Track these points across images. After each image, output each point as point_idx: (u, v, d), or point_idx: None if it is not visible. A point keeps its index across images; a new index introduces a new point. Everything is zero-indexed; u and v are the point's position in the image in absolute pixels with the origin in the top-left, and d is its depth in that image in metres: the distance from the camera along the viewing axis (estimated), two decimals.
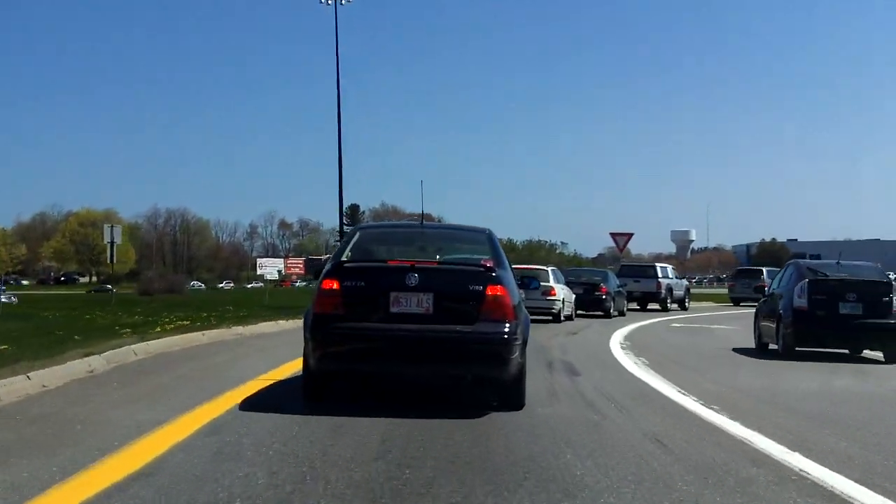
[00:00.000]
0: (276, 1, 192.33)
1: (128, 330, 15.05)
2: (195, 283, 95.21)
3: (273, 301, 52.62)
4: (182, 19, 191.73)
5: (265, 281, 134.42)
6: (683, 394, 9.75)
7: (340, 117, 77.15)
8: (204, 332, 15.30)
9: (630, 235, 42.59)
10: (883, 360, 15.02)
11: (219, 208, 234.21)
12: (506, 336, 7.34)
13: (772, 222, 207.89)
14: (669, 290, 38.84)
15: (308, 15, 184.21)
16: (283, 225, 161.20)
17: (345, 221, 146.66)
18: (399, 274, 7.45)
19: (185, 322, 17.16)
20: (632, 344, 17.38)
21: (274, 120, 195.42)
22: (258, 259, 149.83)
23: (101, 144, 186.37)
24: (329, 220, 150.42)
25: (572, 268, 42.77)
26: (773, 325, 15.91)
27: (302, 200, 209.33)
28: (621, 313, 31.94)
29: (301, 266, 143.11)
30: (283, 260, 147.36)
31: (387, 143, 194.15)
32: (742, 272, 47.68)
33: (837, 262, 16.58)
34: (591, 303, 30.04)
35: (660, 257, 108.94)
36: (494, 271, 7.57)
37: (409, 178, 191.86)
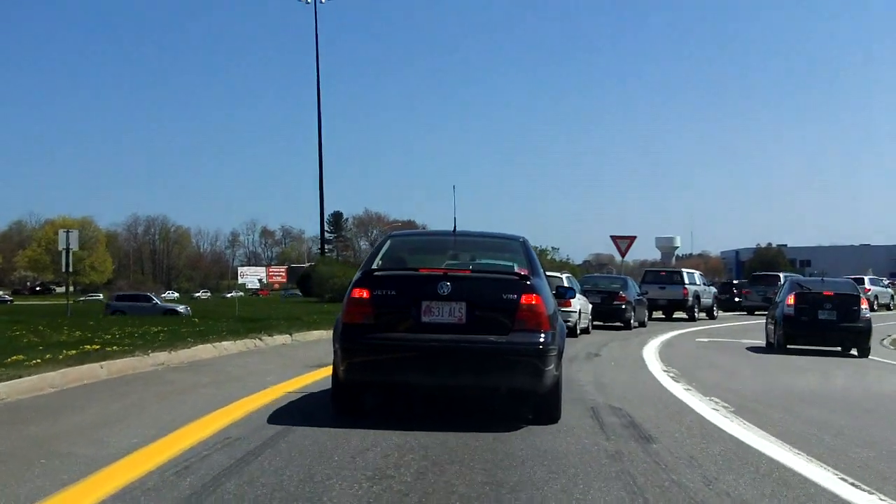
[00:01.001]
0: (257, 8, 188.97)
1: (13, 358, 10.73)
2: (170, 293, 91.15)
3: (244, 312, 49.48)
4: (163, 26, 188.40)
5: (245, 290, 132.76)
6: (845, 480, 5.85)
7: (321, 123, 74.62)
8: (104, 363, 10.90)
9: (633, 239, 38.39)
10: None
11: (200, 216, 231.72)
12: (541, 347, 7.04)
13: (756, 229, 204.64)
14: (697, 297, 35.26)
15: (289, 22, 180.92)
16: (266, 233, 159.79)
17: (328, 229, 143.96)
18: (431, 282, 7.18)
19: (95, 346, 12.80)
20: (680, 372, 13.53)
21: (256, 127, 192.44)
22: (239, 268, 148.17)
23: (80, 152, 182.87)
24: (312, 227, 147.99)
25: (588, 275, 38.68)
26: (773, 328, 20.12)
27: (284, 208, 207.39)
28: (642, 324, 28.92)
29: (284, 274, 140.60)
30: (265, 268, 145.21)
31: (370, 150, 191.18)
32: (758, 278, 43.58)
33: (822, 280, 21.93)
34: (609, 313, 26.83)
35: (645, 264, 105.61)
36: (529, 279, 7.28)
37: (392, 186, 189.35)
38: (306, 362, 13.25)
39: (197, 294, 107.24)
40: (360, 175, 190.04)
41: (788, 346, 19.05)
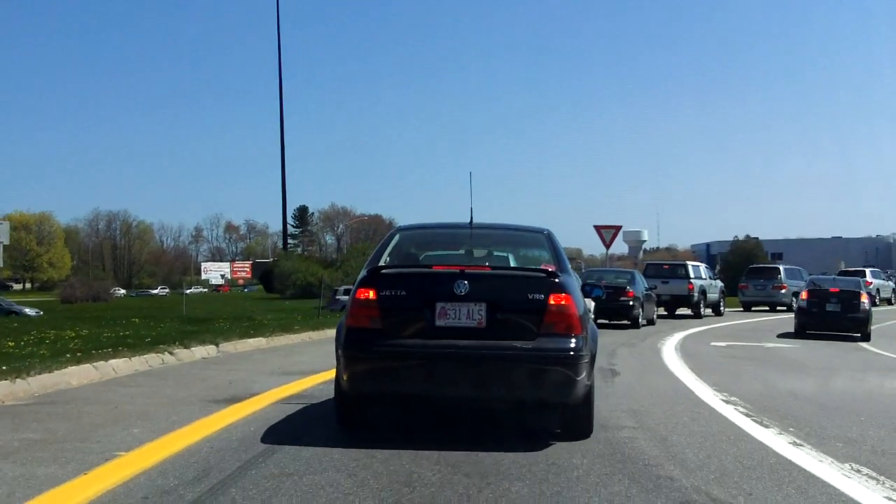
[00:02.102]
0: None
1: None
2: (119, 291, 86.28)
3: (194, 311, 45.76)
4: (121, 18, 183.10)
5: (208, 286, 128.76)
6: None
7: (282, 116, 71.84)
8: None
9: (618, 229, 34.51)
10: None
11: (163, 211, 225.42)
12: (572, 353, 6.24)
13: (722, 222, 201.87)
14: (703, 292, 31.66)
15: (251, 10, 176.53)
16: (230, 228, 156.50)
17: (293, 224, 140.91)
18: (446, 281, 6.38)
19: None
20: (753, 405, 9.66)
21: (219, 120, 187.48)
22: (203, 263, 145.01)
23: (40, 145, 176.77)
24: (277, 222, 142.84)
25: (591, 268, 34.97)
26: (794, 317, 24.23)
27: (249, 203, 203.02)
28: (650, 322, 25.79)
29: (248, 270, 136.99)
30: (229, 264, 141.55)
31: (337, 143, 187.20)
32: (756, 271, 39.64)
33: (833, 278, 27.03)
34: (614, 310, 23.70)
35: (612, 258, 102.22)
36: (558, 277, 6.51)
37: (359, 180, 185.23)
38: (217, 393, 9.23)
39: (154, 291, 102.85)
40: (327, 169, 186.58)
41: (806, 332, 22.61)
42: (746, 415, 8.28)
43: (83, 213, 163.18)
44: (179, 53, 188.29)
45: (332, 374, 11.53)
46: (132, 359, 11.62)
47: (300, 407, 8.35)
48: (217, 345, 14.30)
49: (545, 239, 7.76)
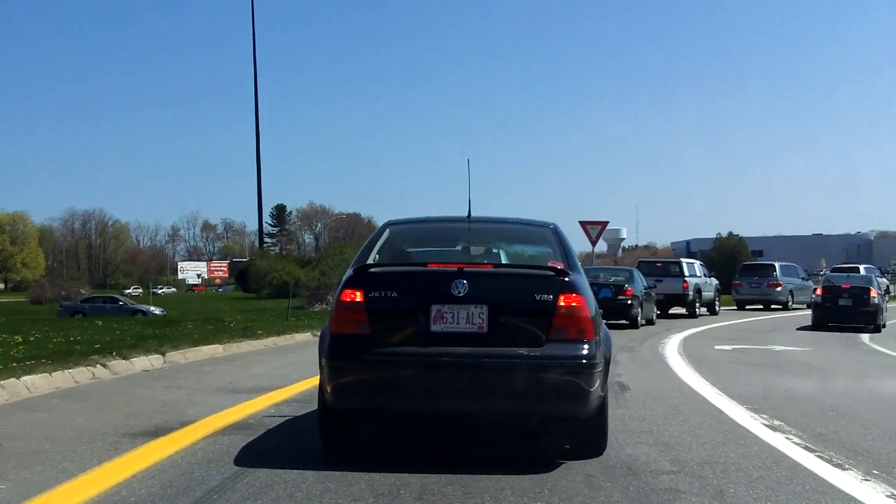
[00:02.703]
0: None
1: None
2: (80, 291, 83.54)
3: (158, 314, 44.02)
4: (97, 18, 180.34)
5: (185, 286, 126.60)
6: None
7: (258, 112, 69.92)
8: None
9: (604, 225, 32.61)
10: None
11: (139, 210, 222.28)
12: (584, 361, 5.60)
13: (700, 220, 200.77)
14: (698, 290, 30.27)
15: (227, 11, 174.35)
16: (207, 227, 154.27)
17: (271, 223, 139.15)
18: (443, 281, 5.78)
19: None
20: (806, 433, 8.03)
21: (196, 118, 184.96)
22: (179, 263, 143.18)
23: (14, 145, 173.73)
24: (254, 221, 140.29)
25: (586, 266, 33.29)
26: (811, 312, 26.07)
27: (226, 201, 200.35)
28: (650, 322, 24.50)
29: (225, 269, 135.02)
30: (206, 263, 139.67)
31: (315, 141, 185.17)
32: (750, 268, 37.49)
33: (847, 275, 29.74)
34: (613, 310, 21.98)
35: (590, 256, 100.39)
36: (568, 275, 5.87)
37: (337, 178, 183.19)
38: (140, 421, 7.38)
39: (127, 291, 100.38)
40: (305, 167, 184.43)
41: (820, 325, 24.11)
42: (807, 448, 6.52)
43: (58, 212, 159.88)
44: (156, 52, 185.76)
45: (290, 391, 9.84)
46: (54, 374, 9.73)
47: (244, 441, 6.52)
48: (164, 354, 12.41)
49: (551, 234, 6.98)
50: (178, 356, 12.71)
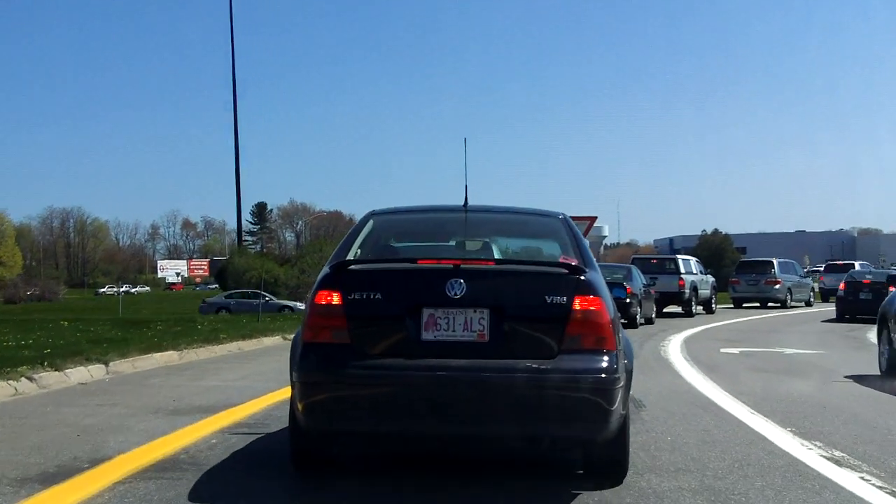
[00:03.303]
0: None
1: None
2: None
3: (141, 312, 42.71)
4: (73, 15, 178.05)
5: (165, 284, 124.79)
6: None
7: (236, 108, 68.26)
8: None
9: (593, 220, 31.10)
10: None
11: (119, 208, 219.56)
12: (604, 375, 4.80)
13: (681, 217, 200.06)
14: (694, 288, 29.12)
15: (205, 7, 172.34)
16: (187, 225, 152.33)
17: (252, 220, 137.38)
18: (436, 280, 4.98)
19: None
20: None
21: (176, 116, 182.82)
22: (159, 261, 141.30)
23: None
24: (235, 219, 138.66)
25: None
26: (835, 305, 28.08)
27: (206, 199, 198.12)
28: (649, 321, 23.58)
29: (206, 268, 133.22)
30: (186, 262, 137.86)
31: (296, 138, 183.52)
32: (748, 265, 35.99)
33: (869, 272, 31.40)
34: None
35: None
36: (584, 273, 5.03)
37: (319, 175, 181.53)
38: (43, 459, 5.82)
39: (102, 290, 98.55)
40: (286, 165, 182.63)
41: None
42: (892, 493, 5.05)
43: (37, 210, 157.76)
44: (135, 49, 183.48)
45: (243, 410, 8.18)
46: None
47: (168, 489, 4.98)
48: (107, 363, 10.83)
49: (561, 225, 6.14)
50: (124, 365, 11.14)
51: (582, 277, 5.00)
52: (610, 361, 4.87)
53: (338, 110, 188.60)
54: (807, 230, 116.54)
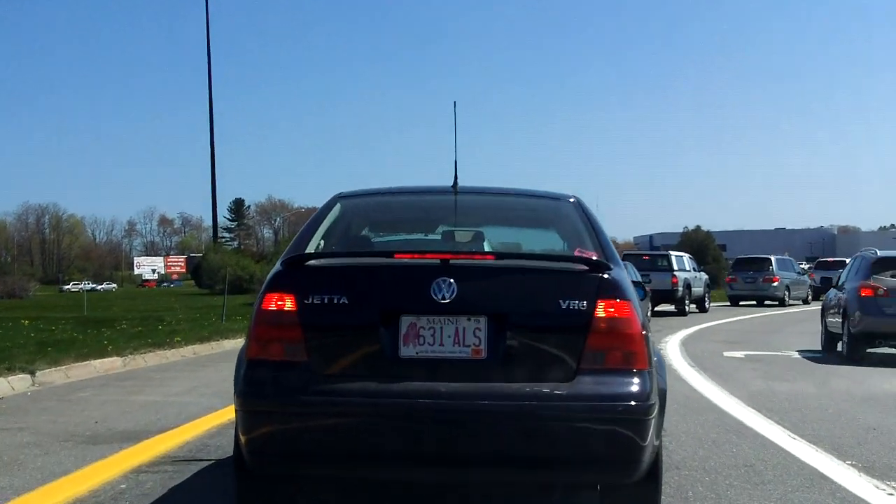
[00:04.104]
0: None
1: None
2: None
3: (100, 311, 41.05)
4: (47, 7, 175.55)
5: (145, 281, 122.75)
6: None
7: (212, 105, 66.74)
8: None
9: None
10: None
11: (95, 205, 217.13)
12: (636, 402, 3.74)
13: (661, 214, 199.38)
14: (688, 286, 27.99)
15: None
16: (164, 221, 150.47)
17: (229, 217, 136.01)
18: (419, 279, 3.94)
19: None
20: None
21: (152, 111, 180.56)
22: (136, 258, 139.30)
23: None
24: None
25: None
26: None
27: (183, 196, 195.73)
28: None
29: (182, 264, 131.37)
30: (162, 258, 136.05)
31: (274, 134, 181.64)
32: (745, 262, 34.80)
33: None
34: None
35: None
36: (608, 270, 3.99)
37: (297, 172, 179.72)
38: None
39: (66, 287, 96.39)
40: (264, 161, 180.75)
41: None
42: None
43: (12, 207, 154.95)
44: (110, 43, 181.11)
45: (176, 437, 6.64)
46: None
47: None
48: (33, 373, 9.32)
49: (574, 210, 5.04)
50: (56, 375, 9.63)
51: (606, 276, 3.98)
52: (643, 384, 3.84)
53: (317, 106, 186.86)
54: (786, 227, 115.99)
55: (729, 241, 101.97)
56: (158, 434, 6.49)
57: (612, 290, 3.92)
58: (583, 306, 3.89)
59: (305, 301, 3.94)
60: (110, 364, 10.85)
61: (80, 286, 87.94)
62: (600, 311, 3.88)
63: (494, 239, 5.42)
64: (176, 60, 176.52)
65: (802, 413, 7.97)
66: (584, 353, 3.86)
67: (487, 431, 3.81)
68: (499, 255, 4.39)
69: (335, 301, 3.96)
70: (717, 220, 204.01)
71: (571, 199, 5.13)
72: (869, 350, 13.56)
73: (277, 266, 4.21)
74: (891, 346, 13.68)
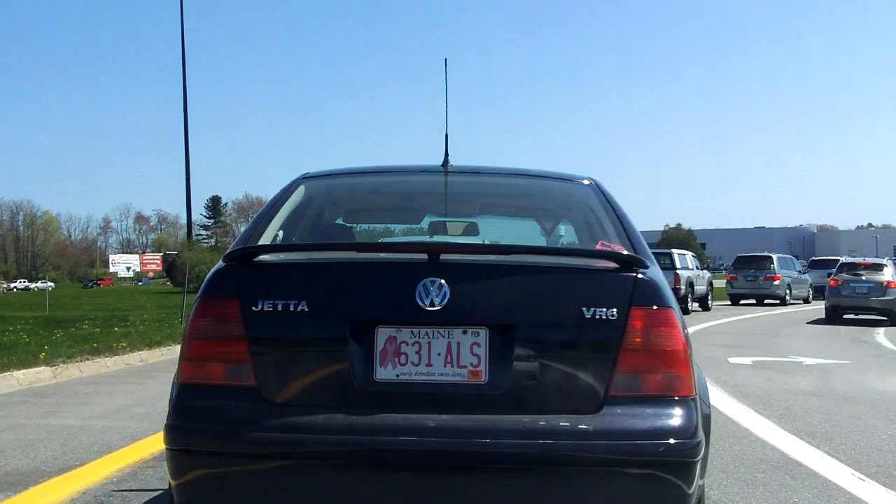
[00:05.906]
0: None
1: None
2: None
3: (68, 310, 39.63)
4: (23, 4, 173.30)
5: (119, 278, 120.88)
6: None
7: (186, 98, 65.22)
8: None
9: None
10: None
11: (70, 202, 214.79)
12: (680, 440, 2.91)
13: (639, 211, 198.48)
14: (691, 284, 26.99)
15: None
16: (140, 219, 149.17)
17: (206, 215, 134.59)
18: (400, 280, 3.10)
19: None
20: None
21: (128, 109, 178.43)
22: (111, 255, 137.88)
23: None
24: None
25: None
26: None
27: (159, 193, 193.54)
28: None
29: (159, 262, 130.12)
30: (138, 256, 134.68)
31: (250, 131, 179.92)
32: (745, 260, 34.04)
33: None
34: None
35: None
36: (644, 269, 3.14)
37: (274, 168, 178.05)
38: None
39: (33, 286, 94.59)
40: (241, 158, 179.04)
41: None
42: None
43: None
44: (85, 38, 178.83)
45: (79, 479, 5.24)
46: None
47: None
48: None
49: (593, 194, 4.05)
50: None
51: (640, 276, 3.13)
52: (688, 415, 3.02)
53: (295, 102, 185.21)
54: (766, 226, 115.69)
55: (708, 239, 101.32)
56: (56, 476, 5.04)
57: (650, 295, 3.08)
58: (612, 315, 3.05)
59: (253, 308, 3.09)
60: (37, 375, 9.37)
61: (4, 286, 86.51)
62: (635, 320, 3.05)
63: (494, 229, 4.75)
64: (152, 56, 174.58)
65: (853, 440, 6.61)
66: (613, 376, 3.04)
67: (489, 480, 2.98)
68: (503, 250, 3.35)
69: (292, 308, 3.10)
70: (696, 218, 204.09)
71: (587, 181, 4.19)
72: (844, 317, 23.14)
73: (220, 263, 3.24)
74: (851, 314, 23.46)
